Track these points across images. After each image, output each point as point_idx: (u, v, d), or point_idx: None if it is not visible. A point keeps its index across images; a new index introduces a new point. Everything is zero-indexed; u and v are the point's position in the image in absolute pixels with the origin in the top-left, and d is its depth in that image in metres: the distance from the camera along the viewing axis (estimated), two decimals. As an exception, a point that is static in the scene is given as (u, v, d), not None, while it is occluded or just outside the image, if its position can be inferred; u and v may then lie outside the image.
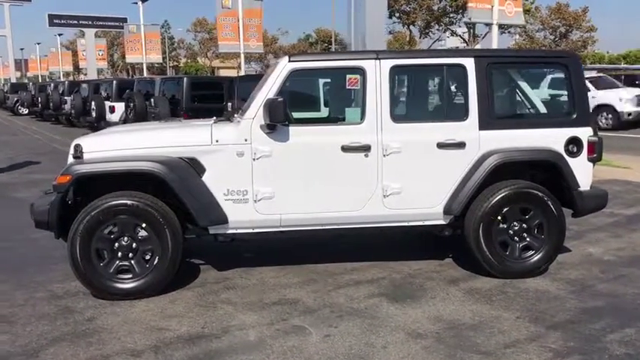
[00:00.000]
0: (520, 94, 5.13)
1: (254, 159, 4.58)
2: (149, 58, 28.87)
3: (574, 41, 44.16)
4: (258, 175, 4.60)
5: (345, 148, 4.63)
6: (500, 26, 35.09)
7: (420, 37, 39.11)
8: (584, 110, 4.94)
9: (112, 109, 16.28)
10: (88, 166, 4.38)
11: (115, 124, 16.22)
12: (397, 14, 36.77)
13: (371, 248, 5.75)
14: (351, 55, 5.20)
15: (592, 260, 5.39)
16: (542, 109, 5.09)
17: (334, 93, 5.51)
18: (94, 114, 16.86)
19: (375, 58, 4.69)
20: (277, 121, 4.42)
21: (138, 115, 14.02)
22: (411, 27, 38.12)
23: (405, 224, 4.87)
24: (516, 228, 4.83)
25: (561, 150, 4.86)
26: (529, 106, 5.11)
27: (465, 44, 35.96)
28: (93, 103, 16.78)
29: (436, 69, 4.93)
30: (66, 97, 21.27)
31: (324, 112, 6.32)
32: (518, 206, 4.79)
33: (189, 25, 61.58)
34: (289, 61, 4.64)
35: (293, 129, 4.59)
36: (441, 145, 4.72)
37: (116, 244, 4.43)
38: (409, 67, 4.83)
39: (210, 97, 12.19)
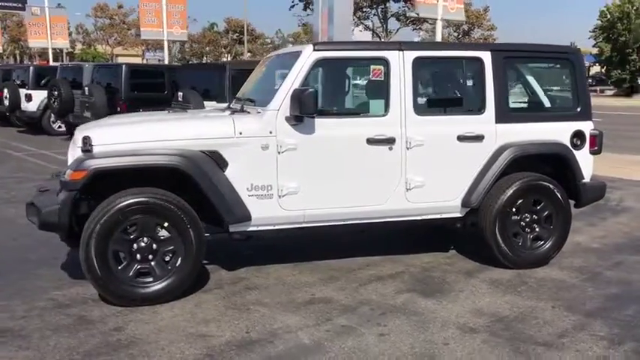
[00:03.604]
0: (530, 88, 5.24)
1: (279, 152, 4.35)
2: (55, 44, 26.93)
3: (476, 39, 46.34)
4: (283, 169, 4.38)
5: (371, 141, 4.52)
6: (414, 22, 35.94)
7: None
8: (586, 104, 5.14)
9: (29, 98, 15.04)
10: (106, 161, 3.96)
11: (33, 113, 15.13)
12: (311, 6, 36.73)
13: (373, 242, 5.67)
14: (375, 45, 5.08)
15: (584, 249, 5.64)
16: (550, 103, 5.23)
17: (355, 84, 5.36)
18: (6, 102, 15.46)
19: (399, 49, 4.60)
20: (308, 112, 4.22)
21: (64, 103, 13.10)
22: (326, 19, 38.26)
23: (424, 217, 4.84)
24: (528, 219, 4.95)
25: (568, 143, 5.03)
26: (538, 100, 5.24)
27: (378, 38, 36.69)
28: (5, 90, 15.39)
29: (455, 62, 4.92)
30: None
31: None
32: (530, 198, 4.91)
33: (89, 9, 58.13)
34: (314, 49, 4.45)
35: (318, 121, 4.40)
36: (461, 138, 4.73)
37: (135, 246, 4.06)
38: (430, 59, 4.79)
39: (151, 86, 11.58)
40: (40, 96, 14.81)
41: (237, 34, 53.45)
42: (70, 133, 14.66)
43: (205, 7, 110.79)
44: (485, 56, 4.80)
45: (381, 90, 4.65)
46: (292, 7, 37.15)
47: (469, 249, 5.41)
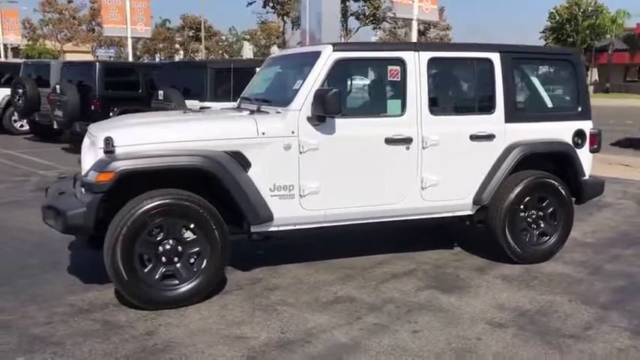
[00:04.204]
0: (534, 88, 5.39)
1: (301, 152, 4.35)
2: (6, 39, 26.03)
3: (432, 38, 47.08)
4: (305, 169, 4.38)
5: (389, 141, 4.57)
6: (373, 21, 36.23)
7: (292, 29, 39.33)
8: (586, 104, 5.34)
9: (-12, 96, 14.46)
10: (132, 162, 3.87)
11: (-7, 112, 14.53)
12: (271, 4, 36.65)
13: (378, 240, 5.70)
14: (392, 45, 5.13)
15: (580, 243, 5.84)
16: (552, 103, 5.41)
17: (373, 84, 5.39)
18: (-36, 100, 14.82)
19: (415, 50, 4.67)
20: (332, 112, 4.23)
21: (29, 102, 12.71)
22: (285, 18, 38.20)
23: (438, 216, 4.93)
24: (534, 216, 5.10)
25: (570, 142, 5.21)
26: (542, 100, 5.40)
27: (338, 38, 36.81)
28: (-37, 88, 14.73)
29: (467, 62, 5.02)
30: None
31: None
32: (537, 195, 5.06)
33: (37, 4, 56.04)
34: (334, 50, 4.46)
35: (339, 121, 4.41)
36: (473, 138, 4.83)
37: (160, 248, 3.99)
38: (444, 60, 4.88)
39: (126, 84, 11.33)
40: (0, 94, 14.26)
41: (193, 31, 52.65)
42: (33, 132, 14.20)
43: (159, 3, 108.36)
44: (495, 57, 4.92)
45: (397, 90, 4.70)
46: (250, 4, 36.97)
47: (473, 245, 5.54)
